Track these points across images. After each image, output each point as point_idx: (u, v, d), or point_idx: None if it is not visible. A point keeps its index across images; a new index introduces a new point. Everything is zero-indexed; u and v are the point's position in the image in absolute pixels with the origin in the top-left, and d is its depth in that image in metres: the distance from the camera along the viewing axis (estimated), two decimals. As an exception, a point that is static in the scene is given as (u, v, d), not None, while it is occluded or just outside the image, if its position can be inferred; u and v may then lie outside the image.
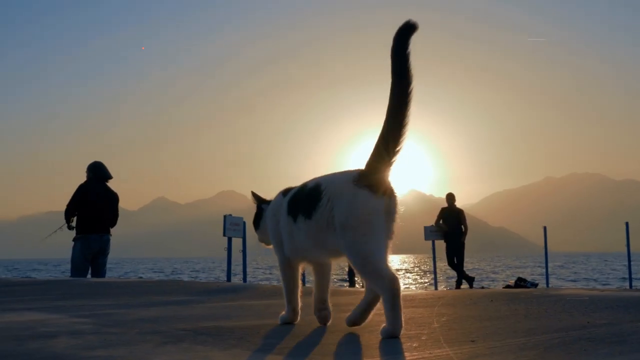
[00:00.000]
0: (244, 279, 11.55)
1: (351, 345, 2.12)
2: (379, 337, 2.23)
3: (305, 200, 2.35)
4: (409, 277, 35.37)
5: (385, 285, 2.17)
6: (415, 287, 25.22)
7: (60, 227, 9.66)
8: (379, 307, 2.26)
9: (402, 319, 2.20)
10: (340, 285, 13.95)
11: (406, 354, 1.92)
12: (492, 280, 27.95)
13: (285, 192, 2.58)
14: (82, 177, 9.74)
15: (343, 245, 2.23)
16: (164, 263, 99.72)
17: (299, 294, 2.67)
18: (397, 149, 2.25)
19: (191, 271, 50.32)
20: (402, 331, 2.20)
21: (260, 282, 17.74)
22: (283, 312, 2.70)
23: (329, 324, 2.64)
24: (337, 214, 2.23)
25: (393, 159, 2.25)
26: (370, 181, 2.22)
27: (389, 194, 2.24)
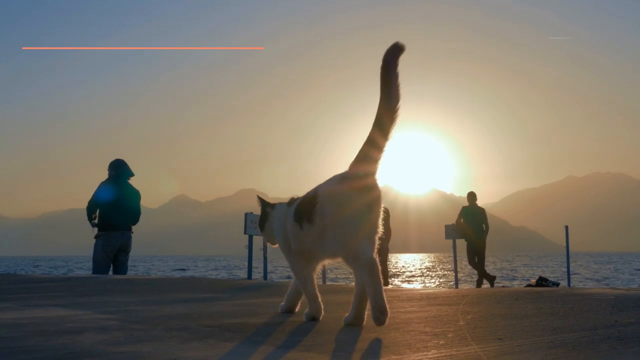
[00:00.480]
0: (265, 277, 11.56)
1: (376, 342, 2.11)
2: (405, 334, 2.24)
3: (307, 208, 2.57)
4: (430, 276, 35.29)
5: (363, 266, 2.37)
6: (437, 285, 25.12)
7: (93, 225, 9.60)
8: (404, 305, 2.26)
9: (386, 305, 2.33)
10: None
11: (433, 351, 1.91)
12: (513, 280, 27.81)
13: (290, 203, 2.79)
14: (103, 175, 9.79)
15: (332, 240, 2.46)
16: (185, 261, 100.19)
17: (317, 288, 2.78)
18: (380, 156, 2.50)
19: (213, 269, 50.49)
20: (388, 321, 2.34)
21: (281, 280, 17.78)
22: (307, 309, 2.74)
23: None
24: (326, 214, 2.46)
25: (376, 165, 2.49)
26: (351, 181, 2.46)
27: (371, 192, 2.46)
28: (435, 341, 2.10)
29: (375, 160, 2.49)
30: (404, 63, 2.45)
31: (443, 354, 1.85)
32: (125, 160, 9.81)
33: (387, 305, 2.33)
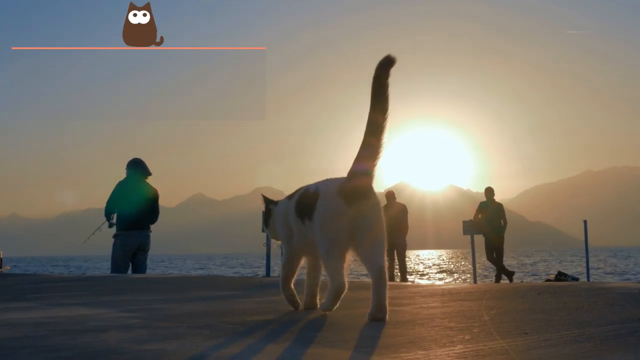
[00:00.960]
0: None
1: (401, 337, 2.10)
2: (430, 329, 2.23)
3: (309, 202, 2.67)
4: (450, 271, 35.19)
5: (334, 285, 2.57)
6: (456, 281, 25.03)
7: (98, 228, 9.67)
8: (426, 301, 2.25)
9: (333, 309, 2.68)
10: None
11: (459, 346, 1.90)
12: (532, 275, 27.68)
13: (290, 196, 2.91)
14: (122, 174, 9.78)
15: (318, 238, 2.60)
16: (202, 259, 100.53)
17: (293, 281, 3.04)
18: (375, 162, 2.58)
19: (230, 267, 50.61)
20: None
21: (299, 277, 17.76)
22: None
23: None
24: (320, 213, 2.58)
25: (372, 171, 2.58)
26: (348, 189, 2.54)
27: (366, 200, 2.55)
28: (461, 336, 2.08)
29: (372, 167, 2.58)
30: (420, 60, 2.48)
31: (469, 349, 1.84)
32: (143, 159, 9.81)
33: (334, 308, 2.67)
